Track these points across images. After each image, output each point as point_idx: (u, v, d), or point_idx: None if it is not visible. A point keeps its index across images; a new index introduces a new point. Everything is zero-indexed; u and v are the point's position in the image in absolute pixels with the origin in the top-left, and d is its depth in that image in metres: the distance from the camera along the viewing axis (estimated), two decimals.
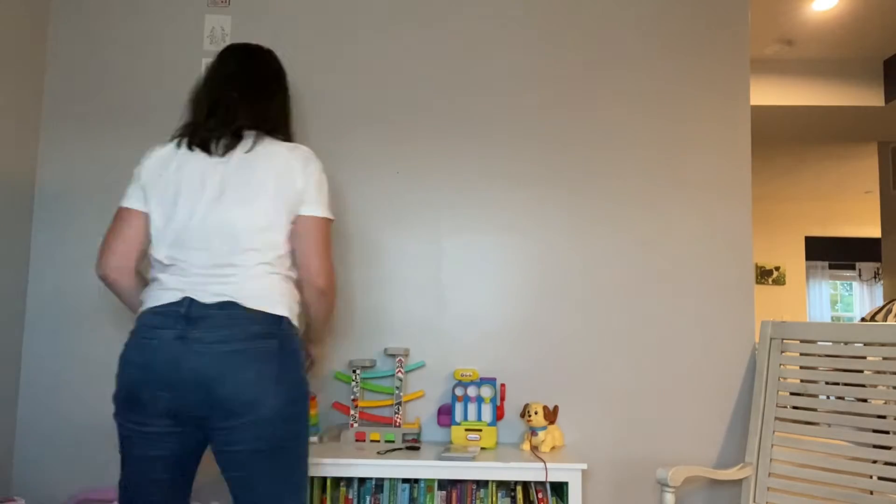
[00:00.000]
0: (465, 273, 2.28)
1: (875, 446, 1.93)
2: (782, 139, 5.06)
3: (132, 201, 1.53)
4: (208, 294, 1.40)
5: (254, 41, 2.35)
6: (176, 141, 1.53)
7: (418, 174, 2.31)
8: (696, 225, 2.30)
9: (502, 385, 2.19)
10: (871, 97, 4.17)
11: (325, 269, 1.52)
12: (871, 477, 1.92)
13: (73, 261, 2.27)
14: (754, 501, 2.05)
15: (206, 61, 2.35)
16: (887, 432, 1.92)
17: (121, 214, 1.55)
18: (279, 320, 1.43)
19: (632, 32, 2.37)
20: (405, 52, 2.36)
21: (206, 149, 1.48)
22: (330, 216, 1.54)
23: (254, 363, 1.37)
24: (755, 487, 2.06)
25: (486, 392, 2.09)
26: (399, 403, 2.11)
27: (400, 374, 2.13)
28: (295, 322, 1.50)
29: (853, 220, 8.31)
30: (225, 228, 1.43)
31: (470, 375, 2.10)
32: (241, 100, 1.53)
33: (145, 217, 1.52)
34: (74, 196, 2.30)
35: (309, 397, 1.48)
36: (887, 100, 4.15)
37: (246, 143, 1.50)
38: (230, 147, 1.48)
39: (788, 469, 2.04)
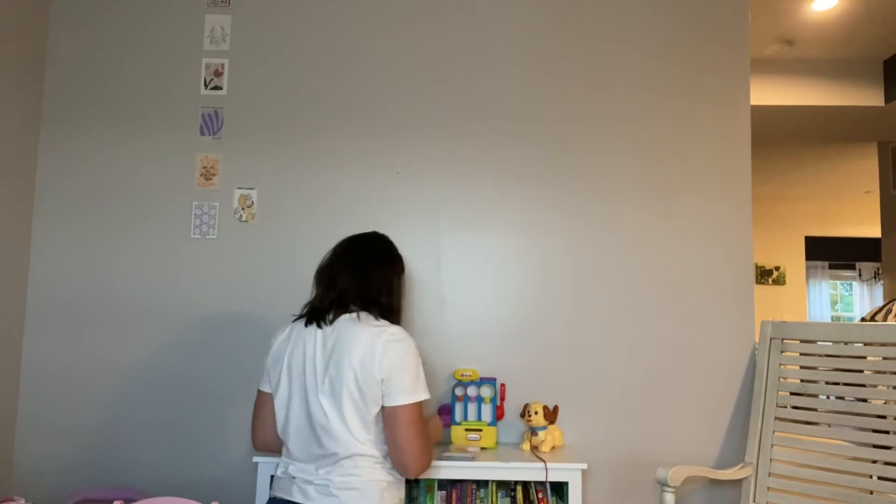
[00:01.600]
0: (465, 273, 2.28)
1: (875, 446, 1.93)
2: (782, 139, 5.05)
3: (263, 384, 1.67)
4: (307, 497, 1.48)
5: (254, 41, 2.36)
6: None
7: (418, 174, 2.31)
8: (696, 225, 2.30)
9: (502, 385, 2.19)
10: (871, 97, 4.17)
11: (415, 454, 1.50)
12: (871, 477, 1.92)
13: (74, 261, 2.27)
14: (754, 501, 2.05)
15: (207, 61, 2.35)
16: (887, 432, 1.92)
17: (257, 396, 1.69)
18: None
19: (632, 32, 2.37)
20: (405, 53, 2.36)
21: (315, 322, 1.57)
22: (417, 399, 1.51)
23: None
24: (755, 487, 2.06)
25: (486, 392, 2.09)
26: None
27: None
28: None
29: (853, 220, 8.30)
30: (318, 427, 1.51)
31: (470, 375, 2.10)
32: (345, 272, 1.61)
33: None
34: (75, 196, 2.30)
35: None
36: (887, 100, 4.14)
37: (347, 314, 1.56)
38: (335, 317, 1.55)
39: (788, 469, 2.04)
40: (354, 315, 1.55)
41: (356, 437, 1.48)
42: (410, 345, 1.53)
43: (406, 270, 1.82)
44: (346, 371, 1.47)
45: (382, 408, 1.50)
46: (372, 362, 1.47)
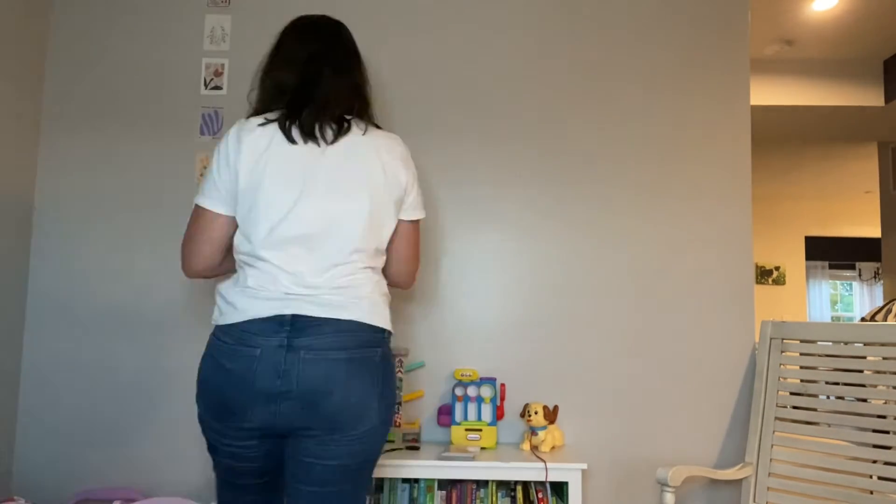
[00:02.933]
0: (465, 273, 2.28)
1: (875, 446, 1.93)
2: (782, 139, 5.06)
3: (211, 201, 1.36)
4: (315, 307, 1.29)
5: (254, 41, 2.36)
6: (267, 125, 1.34)
7: (418, 174, 2.31)
8: (696, 225, 2.30)
9: (502, 385, 2.19)
10: (871, 97, 4.17)
11: (414, 272, 1.51)
12: (871, 477, 1.92)
13: (74, 263, 2.27)
14: (754, 501, 2.05)
15: (207, 61, 2.35)
16: (887, 432, 1.92)
17: (202, 214, 1.37)
18: (382, 333, 1.37)
19: (632, 32, 2.37)
20: (405, 53, 2.36)
21: (310, 138, 1.32)
22: (423, 215, 1.50)
23: (363, 376, 1.29)
24: (755, 487, 2.06)
25: (486, 392, 2.09)
26: (399, 403, 2.11)
27: (400, 374, 2.13)
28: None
29: (853, 220, 8.31)
30: (333, 227, 1.31)
31: (470, 375, 2.10)
32: (336, 81, 1.38)
33: (229, 218, 1.37)
34: (74, 196, 2.30)
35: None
36: (887, 100, 4.14)
37: (351, 129, 1.37)
38: (337, 136, 1.34)
39: (788, 469, 2.04)
40: (359, 130, 1.37)
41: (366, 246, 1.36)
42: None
43: None
44: (370, 174, 1.34)
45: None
46: (399, 172, 1.38)
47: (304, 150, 1.33)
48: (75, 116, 2.33)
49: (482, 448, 2.06)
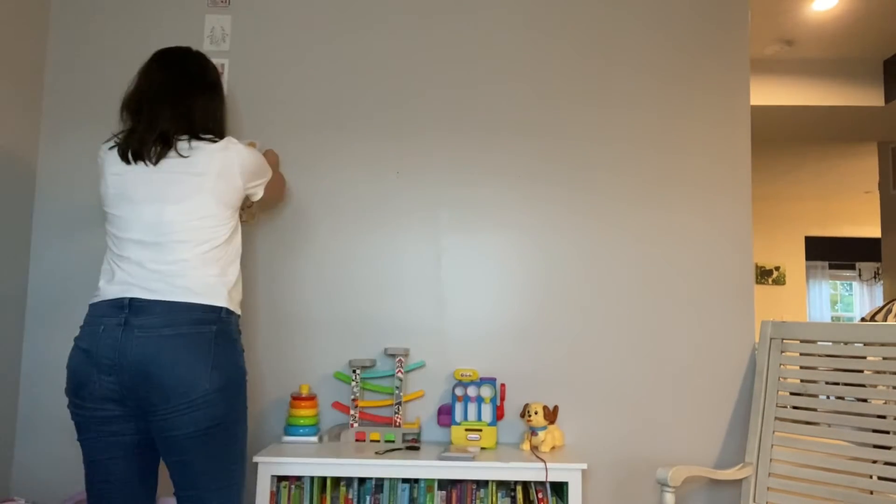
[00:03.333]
0: (465, 273, 2.28)
1: (875, 446, 1.93)
2: (782, 139, 5.05)
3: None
4: (149, 291, 1.51)
5: (254, 41, 2.36)
6: (113, 149, 1.61)
7: (418, 174, 2.31)
8: (696, 225, 2.30)
9: (502, 385, 2.19)
10: (871, 97, 4.17)
11: (281, 199, 2.16)
12: (871, 477, 1.92)
13: (74, 260, 2.27)
14: (754, 501, 2.05)
15: None
16: (887, 432, 1.92)
17: None
18: (218, 310, 1.55)
19: (632, 32, 2.37)
20: (406, 52, 2.36)
21: (139, 159, 1.57)
22: (267, 175, 1.78)
23: (191, 349, 1.49)
24: (755, 487, 2.06)
25: (486, 392, 2.09)
26: (399, 403, 2.11)
27: (400, 374, 2.13)
28: (236, 310, 1.62)
29: (853, 220, 8.31)
30: (162, 226, 1.54)
31: (470, 375, 2.10)
32: (167, 105, 1.59)
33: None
34: (74, 196, 2.30)
35: (245, 382, 1.60)
36: (887, 100, 4.14)
37: (178, 147, 1.58)
38: (162, 155, 1.56)
39: (788, 469, 2.04)
40: (186, 148, 1.58)
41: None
42: (242, 147, 1.66)
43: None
44: (197, 185, 1.57)
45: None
46: (230, 174, 1.61)
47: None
48: (75, 116, 2.33)
49: (482, 448, 2.06)
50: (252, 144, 2.06)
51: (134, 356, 1.45)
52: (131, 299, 1.49)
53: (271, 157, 2.07)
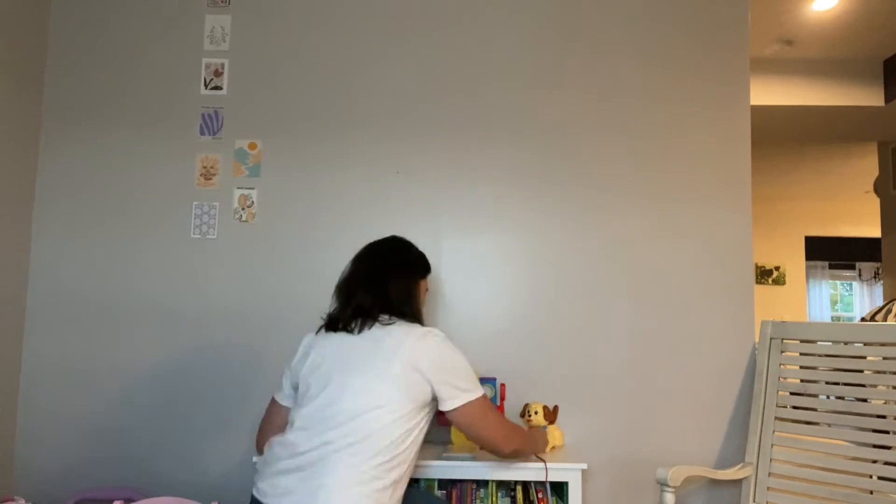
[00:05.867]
0: (465, 273, 2.28)
1: (875, 446, 1.93)
2: (782, 139, 5.05)
3: (279, 395, 1.73)
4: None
5: (254, 41, 2.36)
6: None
7: (418, 174, 2.31)
8: (696, 225, 2.30)
9: (502, 385, 2.19)
10: (871, 97, 4.17)
11: (500, 439, 1.62)
12: (871, 477, 1.92)
13: (74, 260, 2.28)
14: (754, 501, 2.05)
15: (206, 61, 2.36)
16: (887, 432, 1.92)
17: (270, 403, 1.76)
18: None
19: (631, 33, 2.37)
20: (406, 52, 2.36)
21: (337, 328, 1.58)
22: (479, 394, 1.57)
23: None
24: (755, 487, 2.06)
25: (485, 392, 2.08)
26: None
27: None
28: None
29: (853, 220, 8.30)
30: (342, 415, 1.44)
31: None
32: (365, 284, 1.62)
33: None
34: (74, 196, 2.31)
35: None
36: (887, 100, 4.14)
37: (376, 323, 1.56)
38: (363, 326, 1.55)
39: (788, 469, 2.04)
40: (386, 320, 1.57)
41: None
42: (453, 346, 1.57)
43: (430, 269, 1.84)
44: (391, 362, 1.47)
45: (439, 413, 1.56)
46: (417, 363, 1.48)
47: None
48: (75, 116, 2.33)
49: (482, 448, 2.05)
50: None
51: None
52: None
53: (538, 436, 1.88)
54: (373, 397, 1.43)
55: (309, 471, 1.40)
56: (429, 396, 1.50)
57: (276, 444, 1.50)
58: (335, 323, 1.60)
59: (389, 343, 1.49)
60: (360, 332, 1.55)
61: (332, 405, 1.44)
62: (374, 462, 1.41)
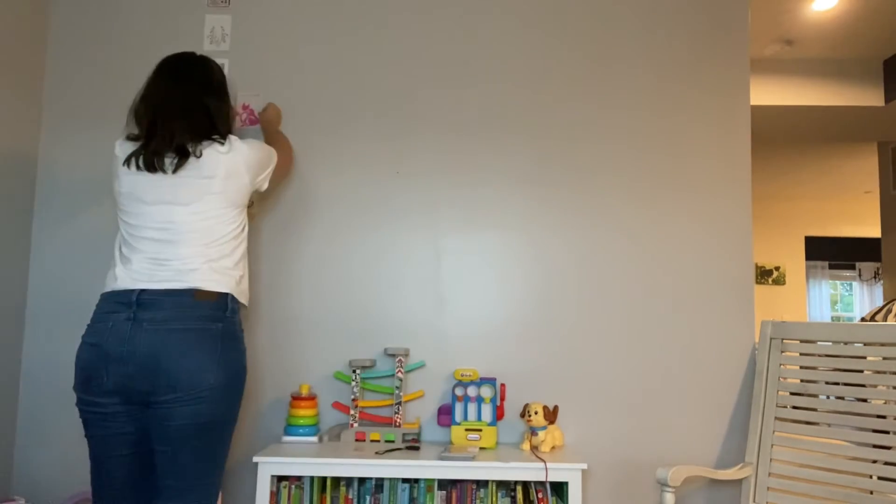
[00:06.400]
0: (465, 273, 2.28)
1: (875, 446, 1.93)
2: (782, 139, 5.05)
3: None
4: (157, 282, 1.59)
5: (254, 41, 2.36)
6: (127, 157, 1.67)
7: (418, 174, 2.31)
8: (696, 225, 2.30)
9: (502, 385, 2.19)
10: (871, 97, 4.17)
11: (290, 169, 2.09)
12: (871, 477, 1.92)
13: (74, 259, 2.27)
14: (754, 501, 2.05)
15: None
16: (887, 432, 1.92)
17: None
18: (224, 303, 1.62)
19: (631, 32, 2.37)
20: (405, 52, 2.36)
21: (153, 170, 1.63)
22: (272, 163, 1.85)
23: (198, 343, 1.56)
24: (755, 487, 2.06)
25: (486, 392, 2.09)
26: (399, 403, 2.11)
27: (400, 374, 2.13)
28: (243, 301, 1.71)
29: (853, 220, 8.31)
30: (173, 225, 1.62)
31: (470, 375, 2.10)
32: (180, 119, 1.65)
33: None
34: (75, 195, 2.30)
35: (244, 384, 1.65)
36: (887, 100, 4.14)
37: (191, 155, 1.65)
38: (179, 165, 1.63)
39: (788, 469, 2.04)
40: (196, 150, 1.65)
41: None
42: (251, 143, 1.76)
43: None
44: (212, 185, 1.65)
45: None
46: (237, 173, 1.69)
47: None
48: (75, 116, 2.33)
49: (482, 448, 2.06)
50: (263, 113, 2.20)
51: (143, 347, 1.51)
52: (140, 292, 1.56)
53: (272, 112, 2.18)
54: (203, 217, 1.67)
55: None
56: (248, 193, 1.78)
57: None
58: (148, 164, 1.62)
59: (205, 172, 1.65)
60: (175, 171, 1.63)
61: (169, 234, 1.66)
62: (220, 248, 1.69)
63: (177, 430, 1.52)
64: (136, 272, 1.60)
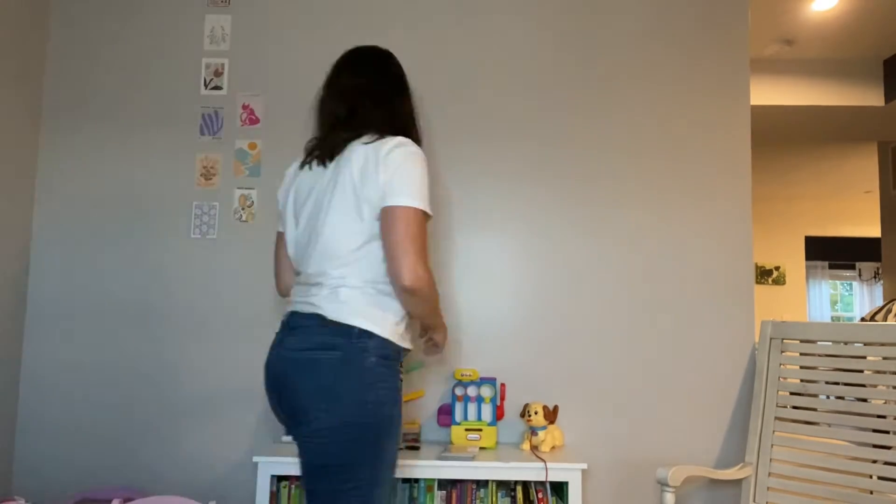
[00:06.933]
0: (465, 273, 2.28)
1: (875, 446, 1.93)
2: (782, 139, 5.05)
3: (279, 224, 1.64)
4: (303, 305, 1.43)
5: (254, 41, 2.36)
6: (304, 159, 1.55)
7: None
8: (696, 225, 2.30)
9: (502, 385, 2.19)
10: (871, 97, 4.17)
11: (409, 265, 1.34)
12: (871, 477, 1.92)
13: (74, 261, 2.28)
14: (754, 501, 2.05)
15: (207, 61, 2.35)
16: (887, 432, 1.92)
17: (276, 237, 1.69)
18: (349, 331, 1.36)
19: (632, 32, 2.37)
20: (405, 52, 2.36)
21: (316, 164, 1.50)
22: (419, 206, 1.37)
23: (311, 373, 1.35)
24: (755, 487, 2.06)
25: (486, 392, 2.09)
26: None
27: (400, 374, 2.12)
28: (385, 335, 1.39)
29: (853, 220, 8.30)
30: (318, 245, 1.43)
31: (470, 375, 2.10)
32: (350, 113, 1.49)
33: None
34: (74, 196, 2.30)
35: (387, 421, 1.36)
36: (887, 100, 4.14)
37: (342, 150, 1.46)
38: (331, 157, 1.47)
39: (788, 469, 2.04)
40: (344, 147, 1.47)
41: (347, 245, 1.40)
42: (417, 151, 1.43)
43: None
44: (346, 184, 1.40)
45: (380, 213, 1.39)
46: (375, 166, 1.38)
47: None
48: (75, 116, 2.33)
49: (482, 448, 2.06)
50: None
51: (273, 376, 1.42)
52: (289, 318, 1.45)
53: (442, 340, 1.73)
54: (340, 230, 1.43)
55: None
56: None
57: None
58: (320, 156, 1.50)
59: (347, 171, 1.43)
60: (326, 165, 1.49)
61: None
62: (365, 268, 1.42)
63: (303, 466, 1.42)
64: (295, 296, 1.55)
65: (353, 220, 1.40)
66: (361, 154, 1.41)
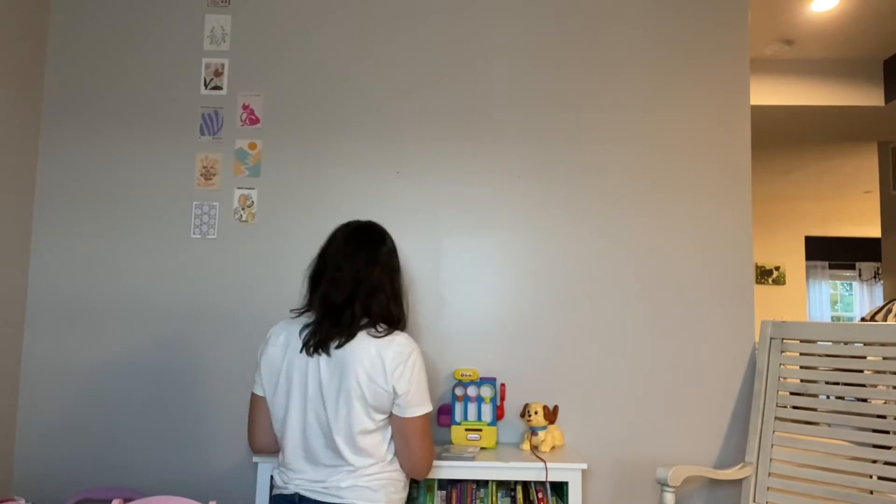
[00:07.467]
0: (465, 272, 2.28)
1: (875, 446, 1.93)
2: (782, 139, 5.05)
3: (257, 388, 1.62)
4: (315, 493, 1.49)
5: (254, 41, 2.36)
6: (291, 334, 1.56)
7: (418, 174, 2.31)
8: (696, 225, 2.30)
9: (502, 385, 2.19)
10: (871, 97, 4.17)
11: (428, 466, 1.58)
12: (871, 477, 1.92)
13: (74, 260, 2.28)
14: (754, 501, 2.05)
15: (207, 61, 2.35)
16: (887, 432, 1.92)
17: (252, 399, 1.65)
18: None
19: (632, 32, 2.37)
20: (405, 52, 2.36)
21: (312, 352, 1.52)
22: (430, 408, 1.54)
23: None
24: (755, 487, 2.06)
25: (486, 392, 2.09)
26: None
27: None
28: None
29: (853, 220, 8.30)
30: (325, 437, 1.50)
31: (470, 375, 2.10)
32: (355, 300, 1.53)
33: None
34: (74, 196, 2.30)
35: None
36: (887, 100, 4.14)
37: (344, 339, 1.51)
38: (327, 351, 1.51)
39: (788, 469, 2.04)
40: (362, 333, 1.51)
41: (359, 444, 1.49)
42: (418, 357, 1.54)
43: (404, 268, 1.78)
44: (352, 384, 1.46)
45: (391, 415, 1.53)
46: (381, 375, 1.47)
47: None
48: (75, 116, 2.33)
49: (482, 448, 2.06)
50: None
51: None
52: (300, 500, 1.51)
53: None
54: (351, 425, 1.50)
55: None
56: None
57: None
58: (320, 343, 1.51)
59: (356, 363, 1.49)
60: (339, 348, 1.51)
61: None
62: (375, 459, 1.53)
63: None
64: (292, 481, 1.59)
65: (361, 416, 1.48)
66: (367, 357, 1.48)
